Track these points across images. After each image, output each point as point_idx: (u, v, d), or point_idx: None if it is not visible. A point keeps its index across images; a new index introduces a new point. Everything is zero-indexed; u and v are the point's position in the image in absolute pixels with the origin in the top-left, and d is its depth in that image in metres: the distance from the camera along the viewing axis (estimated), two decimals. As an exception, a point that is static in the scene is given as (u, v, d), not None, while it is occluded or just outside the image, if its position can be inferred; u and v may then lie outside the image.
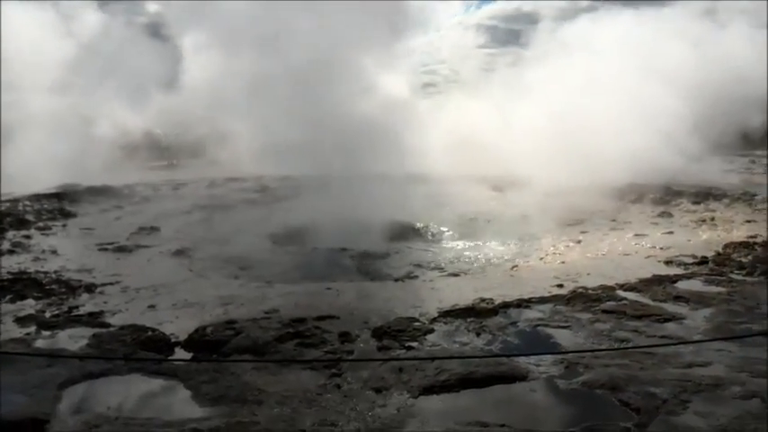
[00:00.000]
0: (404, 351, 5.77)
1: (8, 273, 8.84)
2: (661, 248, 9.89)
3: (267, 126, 15.20)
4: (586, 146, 15.88)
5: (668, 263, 8.95)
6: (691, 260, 8.99)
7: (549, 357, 5.49)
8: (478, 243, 11.23)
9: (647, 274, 8.20)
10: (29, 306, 7.37)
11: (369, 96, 16.47)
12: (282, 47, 15.66)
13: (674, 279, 7.97)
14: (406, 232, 12.38)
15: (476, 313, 6.73)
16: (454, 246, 11.40)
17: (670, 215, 13.09)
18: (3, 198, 15.18)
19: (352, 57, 16.90)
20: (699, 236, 10.90)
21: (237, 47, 16.16)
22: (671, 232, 11.25)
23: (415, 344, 5.93)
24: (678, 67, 17.00)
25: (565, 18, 21.79)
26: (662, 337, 6.00)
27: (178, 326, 6.54)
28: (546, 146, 16.37)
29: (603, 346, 5.80)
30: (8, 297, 7.68)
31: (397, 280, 8.71)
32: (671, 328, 6.26)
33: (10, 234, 11.84)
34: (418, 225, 12.85)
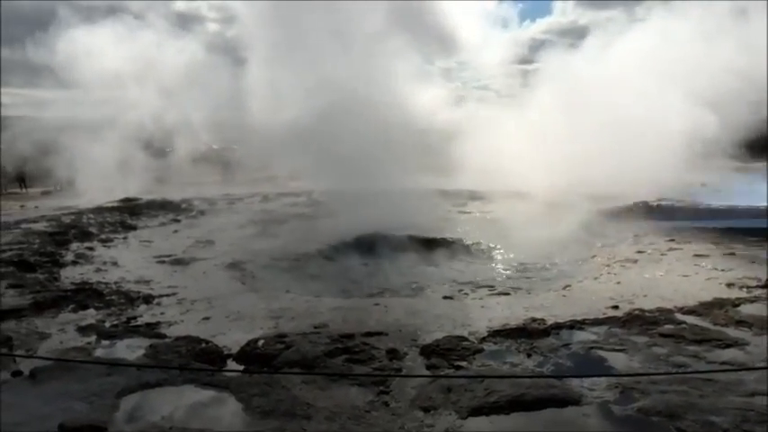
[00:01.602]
0: (452, 370, 5.71)
1: (72, 283, 9.24)
2: (723, 270, 9.51)
3: (318, 142, 15.45)
4: (637, 163, 15.49)
5: (730, 285, 8.59)
6: (754, 283, 8.60)
7: (603, 381, 5.34)
8: (529, 260, 11.05)
9: (708, 297, 7.89)
10: (90, 316, 7.67)
11: (415, 112, 16.55)
12: (332, 64, 15.96)
13: (736, 303, 7.63)
14: (455, 248, 12.30)
15: (527, 334, 6.62)
16: (503, 263, 11.25)
17: (732, 235, 12.56)
18: (69, 211, 15.90)
19: (401, 72, 17.05)
20: (762, 258, 10.42)
21: (294, 64, 16.54)
22: (733, 253, 10.80)
23: (463, 363, 5.87)
24: (717, 79, 16.27)
25: (615, 31, 21.11)
26: (723, 363, 5.75)
27: (231, 338, 6.68)
28: (593, 162, 16.02)
29: (661, 371, 5.60)
30: (71, 306, 8.02)
31: (445, 297, 8.65)
32: (732, 353, 5.99)
33: (74, 245, 12.38)
34: (467, 241, 12.75)
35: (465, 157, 18.75)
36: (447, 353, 6.07)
